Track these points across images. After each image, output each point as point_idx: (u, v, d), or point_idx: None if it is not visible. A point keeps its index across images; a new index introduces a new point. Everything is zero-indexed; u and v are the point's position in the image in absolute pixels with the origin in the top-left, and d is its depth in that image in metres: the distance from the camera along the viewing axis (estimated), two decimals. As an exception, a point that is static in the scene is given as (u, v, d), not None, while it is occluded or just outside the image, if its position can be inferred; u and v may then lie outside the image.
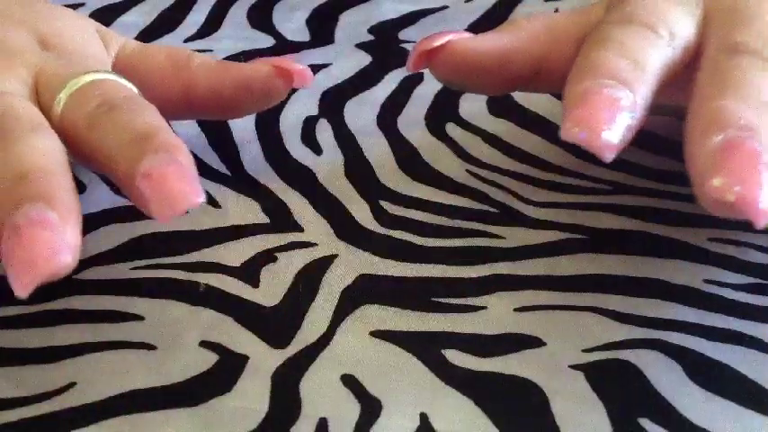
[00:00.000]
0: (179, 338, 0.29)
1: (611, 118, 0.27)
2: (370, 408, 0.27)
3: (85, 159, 0.30)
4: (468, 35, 0.33)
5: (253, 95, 0.34)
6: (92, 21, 0.36)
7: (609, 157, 0.27)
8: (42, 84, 0.31)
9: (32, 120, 0.29)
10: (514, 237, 0.33)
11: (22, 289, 0.25)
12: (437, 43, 0.33)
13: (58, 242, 0.25)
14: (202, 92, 0.34)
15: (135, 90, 0.31)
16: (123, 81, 0.31)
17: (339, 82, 0.42)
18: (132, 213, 0.34)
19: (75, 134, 0.29)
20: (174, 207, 0.27)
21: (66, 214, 0.26)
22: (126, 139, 0.28)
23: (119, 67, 0.34)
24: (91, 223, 0.34)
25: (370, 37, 0.45)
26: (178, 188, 0.27)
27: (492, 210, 0.34)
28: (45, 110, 0.30)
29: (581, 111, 0.27)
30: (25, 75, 0.31)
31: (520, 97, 0.39)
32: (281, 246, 0.33)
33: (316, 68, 0.42)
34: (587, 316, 0.30)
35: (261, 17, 0.46)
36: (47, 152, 0.28)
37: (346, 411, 0.27)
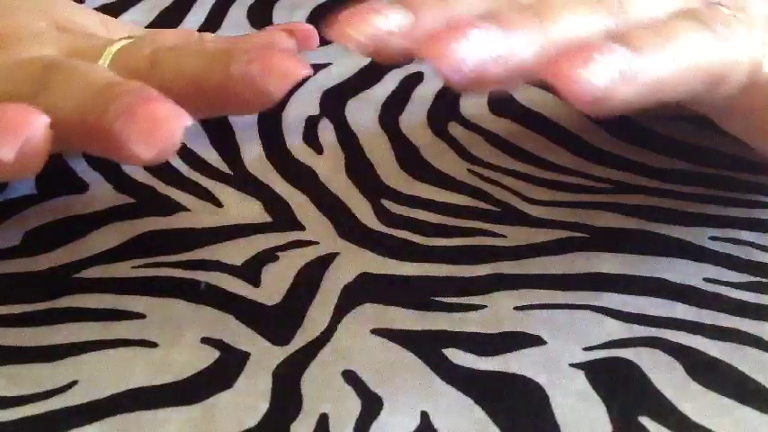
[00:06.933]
0: (180, 336, 0.29)
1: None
2: (371, 405, 0.27)
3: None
4: None
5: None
6: (96, 12, 0.38)
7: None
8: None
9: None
10: (515, 235, 0.33)
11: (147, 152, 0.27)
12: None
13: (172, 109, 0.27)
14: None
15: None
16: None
17: (340, 81, 0.41)
18: (133, 212, 0.34)
19: (137, 77, 0.30)
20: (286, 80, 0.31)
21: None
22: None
23: None
24: (92, 222, 0.34)
25: (371, 36, 0.45)
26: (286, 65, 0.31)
27: (493, 209, 0.34)
28: None
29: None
30: (55, 51, 0.33)
31: (521, 96, 0.39)
32: (282, 244, 0.33)
33: (316, 68, 0.42)
34: (588, 314, 0.30)
35: (261, 16, 0.46)
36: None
37: (347, 408, 0.27)
